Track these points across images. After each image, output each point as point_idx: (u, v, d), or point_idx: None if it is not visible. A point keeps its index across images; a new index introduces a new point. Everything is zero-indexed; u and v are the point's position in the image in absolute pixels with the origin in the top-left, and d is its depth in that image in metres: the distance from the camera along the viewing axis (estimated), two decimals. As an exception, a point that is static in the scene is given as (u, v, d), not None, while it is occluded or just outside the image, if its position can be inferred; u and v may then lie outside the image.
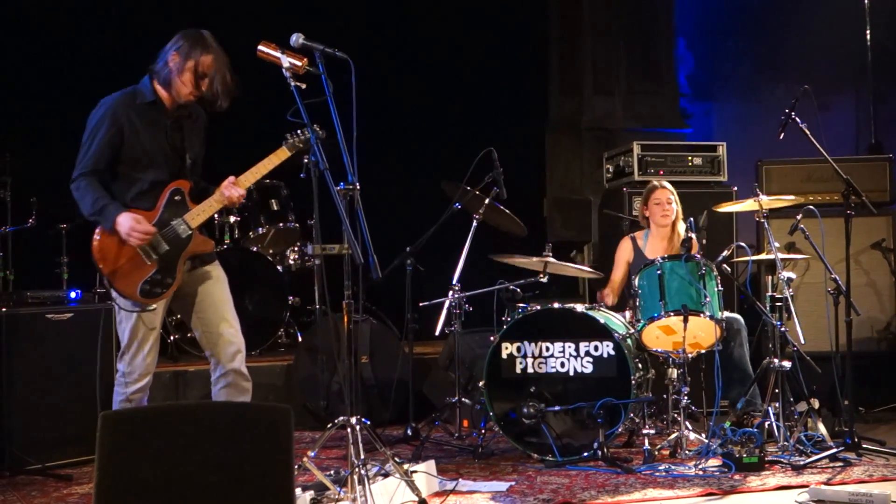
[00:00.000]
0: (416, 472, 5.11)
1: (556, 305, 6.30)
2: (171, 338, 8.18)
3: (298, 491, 4.73)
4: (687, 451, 6.01)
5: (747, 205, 6.54)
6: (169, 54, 5.05)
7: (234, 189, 5.07)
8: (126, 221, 4.93)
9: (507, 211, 6.81)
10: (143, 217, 4.97)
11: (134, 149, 5.04)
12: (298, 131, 5.14)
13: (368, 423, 4.86)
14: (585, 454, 5.94)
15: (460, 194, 6.70)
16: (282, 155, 5.15)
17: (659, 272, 6.24)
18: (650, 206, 7.07)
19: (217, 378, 5.22)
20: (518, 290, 6.61)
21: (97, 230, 5.03)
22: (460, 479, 5.53)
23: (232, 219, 8.56)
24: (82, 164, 5.07)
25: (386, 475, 4.96)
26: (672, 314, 6.13)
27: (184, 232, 5.04)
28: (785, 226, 6.72)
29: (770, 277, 6.47)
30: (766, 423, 6.12)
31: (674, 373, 6.15)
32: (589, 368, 6.09)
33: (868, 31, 9.58)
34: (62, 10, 8.99)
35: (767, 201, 6.43)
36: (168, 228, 5.03)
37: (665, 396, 6.23)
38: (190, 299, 5.21)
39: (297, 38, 4.82)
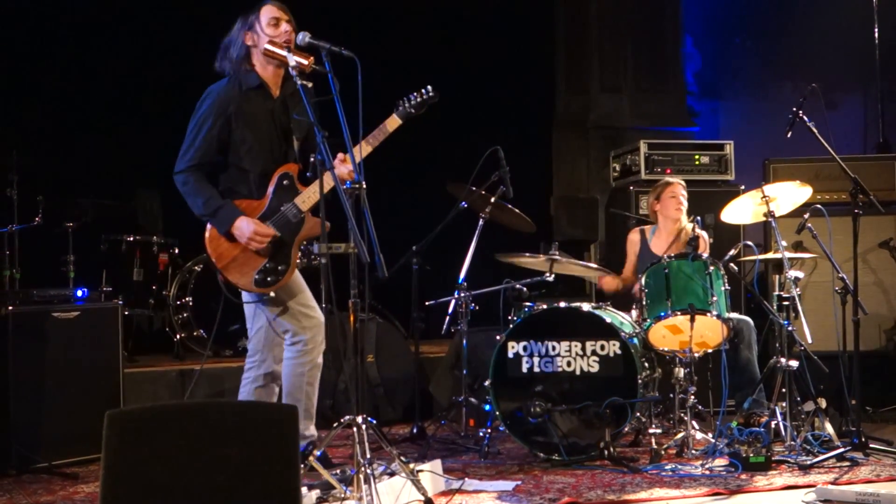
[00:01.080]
0: (422, 471, 5.10)
1: (562, 304, 6.29)
2: (177, 337, 8.18)
3: (304, 490, 4.73)
4: (693, 451, 5.99)
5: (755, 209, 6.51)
6: (241, 38, 5.09)
7: (343, 166, 5.05)
8: (246, 227, 4.98)
9: (514, 209, 6.79)
10: (253, 206, 5.00)
11: (243, 138, 5.06)
12: (412, 96, 5.14)
13: (374, 422, 4.86)
14: (592, 453, 5.92)
15: (466, 194, 6.69)
16: (393, 123, 5.12)
17: (666, 271, 6.23)
18: (664, 200, 7.06)
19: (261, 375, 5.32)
20: (524, 289, 6.62)
21: (209, 224, 5.07)
22: (466, 479, 5.52)
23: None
24: (188, 156, 5.06)
25: (392, 474, 4.95)
26: (679, 313, 6.12)
27: (294, 217, 5.05)
28: (792, 225, 6.70)
29: (777, 276, 6.45)
30: (773, 423, 6.10)
31: (680, 372, 6.14)
32: (595, 367, 6.07)
33: (876, 30, 9.54)
34: (68, 8, 8.98)
35: (776, 200, 6.40)
36: (279, 215, 5.05)
37: (672, 396, 6.22)
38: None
39: (303, 37, 4.82)
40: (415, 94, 5.20)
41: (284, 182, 5.08)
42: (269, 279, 5.04)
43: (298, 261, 5.18)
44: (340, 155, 5.05)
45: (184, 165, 5.06)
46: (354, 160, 4.70)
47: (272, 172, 5.09)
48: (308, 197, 5.06)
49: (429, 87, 5.21)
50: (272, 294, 5.10)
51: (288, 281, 5.15)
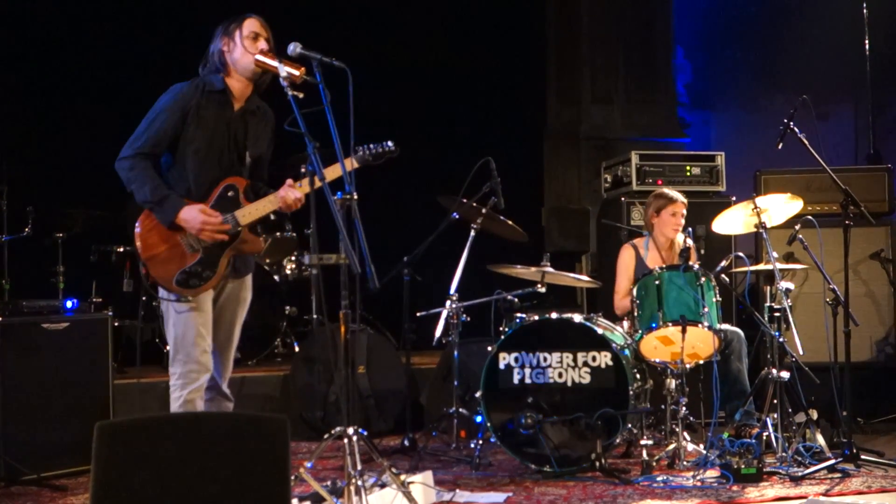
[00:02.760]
0: (413, 483, 5.08)
1: (553, 315, 6.28)
2: (167, 348, 8.14)
3: (295, 502, 4.71)
4: (685, 462, 5.99)
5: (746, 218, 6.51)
6: (219, 43, 5.06)
7: (291, 191, 5.01)
8: (195, 216, 4.91)
9: (506, 219, 6.79)
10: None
11: (193, 138, 5.00)
12: (372, 145, 5.14)
13: (365, 433, 4.83)
14: (583, 465, 5.91)
15: (457, 205, 6.68)
16: (348, 165, 5.06)
17: (657, 282, 6.23)
18: (662, 216, 7.01)
19: (206, 389, 5.16)
20: (516, 300, 6.61)
21: (143, 214, 4.99)
22: (457, 491, 5.51)
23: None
24: (139, 143, 4.98)
25: (383, 486, 4.93)
26: (670, 324, 6.12)
27: (232, 228, 5.00)
28: (783, 236, 6.71)
29: (768, 288, 6.46)
30: (765, 434, 6.10)
31: (672, 383, 6.14)
32: (587, 379, 6.06)
33: (867, 41, 9.58)
34: (58, 17, 8.98)
35: (767, 211, 6.41)
36: None
37: (663, 407, 6.21)
38: (214, 313, 5.15)
39: (294, 48, 4.81)
40: (375, 144, 5.17)
41: (229, 193, 5.03)
42: (191, 282, 4.98)
43: (228, 271, 5.10)
44: (289, 181, 5.05)
45: (131, 152, 4.97)
46: (345, 172, 4.69)
47: (218, 181, 5.03)
48: (249, 212, 5.02)
49: (390, 143, 5.19)
50: (190, 299, 5.03)
51: (209, 289, 5.07)
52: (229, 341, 5.24)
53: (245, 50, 5.00)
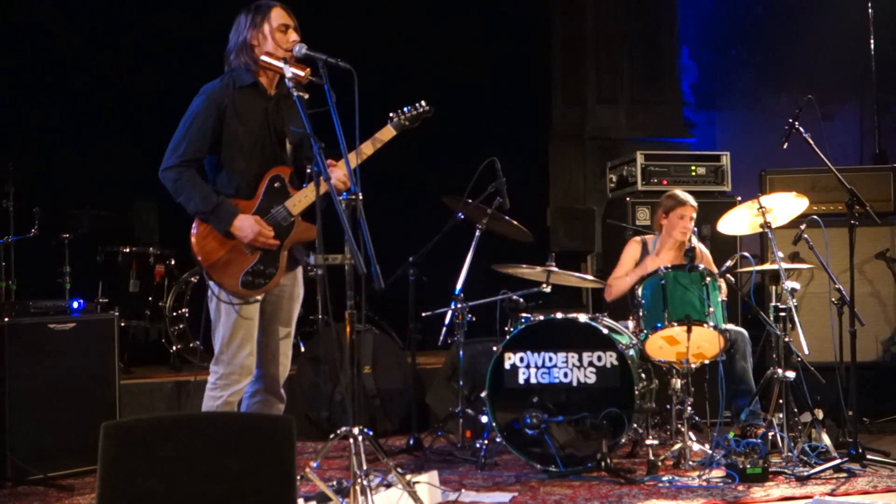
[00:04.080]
0: (418, 482, 5.08)
1: (559, 315, 6.29)
2: (173, 348, 8.18)
3: (301, 502, 4.72)
4: (690, 462, 5.99)
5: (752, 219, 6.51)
6: (246, 35, 4.96)
7: (335, 171, 4.91)
8: (249, 226, 4.85)
9: (511, 220, 6.79)
10: (242, 206, 4.88)
11: (235, 135, 4.93)
12: (405, 108, 5.09)
13: (371, 433, 4.83)
14: (589, 465, 5.91)
15: (463, 205, 6.69)
16: (387, 134, 5.03)
17: (662, 282, 6.22)
18: (671, 219, 6.97)
19: (255, 391, 5.12)
20: (521, 300, 6.61)
21: (195, 223, 4.91)
22: (463, 490, 5.51)
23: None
24: (180, 151, 4.89)
25: (388, 486, 4.94)
26: (675, 324, 6.12)
27: (285, 220, 4.93)
28: (789, 236, 6.71)
29: (774, 287, 6.46)
30: (770, 434, 6.10)
31: (677, 383, 6.14)
32: (592, 379, 6.07)
33: (872, 41, 9.57)
34: (65, 19, 8.99)
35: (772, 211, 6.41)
36: (268, 217, 4.91)
37: (668, 407, 6.21)
38: (268, 308, 5.09)
39: (299, 48, 4.82)
40: (409, 107, 5.15)
41: (276, 184, 4.97)
42: (256, 282, 4.93)
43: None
44: (332, 161, 4.97)
45: (174, 161, 4.88)
46: (350, 171, 4.68)
47: (263, 173, 4.97)
48: (299, 201, 4.96)
49: (423, 102, 5.17)
50: (258, 298, 5.01)
51: (276, 285, 5.04)
52: (286, 340, 5.16)
53: (276, 44, 4.94)
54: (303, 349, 8.35)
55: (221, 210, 4.85)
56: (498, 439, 6.19)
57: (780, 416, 6.10)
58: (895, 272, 7.77)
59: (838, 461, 5.86)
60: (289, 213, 4.94)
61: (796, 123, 6.38)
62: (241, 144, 4.94)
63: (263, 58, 4.92)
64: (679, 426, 6.13)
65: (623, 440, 6.04)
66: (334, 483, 5.05)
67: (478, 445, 6.35)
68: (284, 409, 5.24)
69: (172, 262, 8.53)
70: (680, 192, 7.05)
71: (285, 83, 4.93)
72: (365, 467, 4.58)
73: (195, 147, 4.90)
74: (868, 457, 6.04)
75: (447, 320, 6.71)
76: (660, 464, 5.95)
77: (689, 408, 6.12)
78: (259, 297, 4.98)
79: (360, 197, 4.61)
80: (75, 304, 6.33)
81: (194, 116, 4.92)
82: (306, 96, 4.80)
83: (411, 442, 6.77)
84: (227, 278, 4.90)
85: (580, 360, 6.08)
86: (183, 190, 4.87)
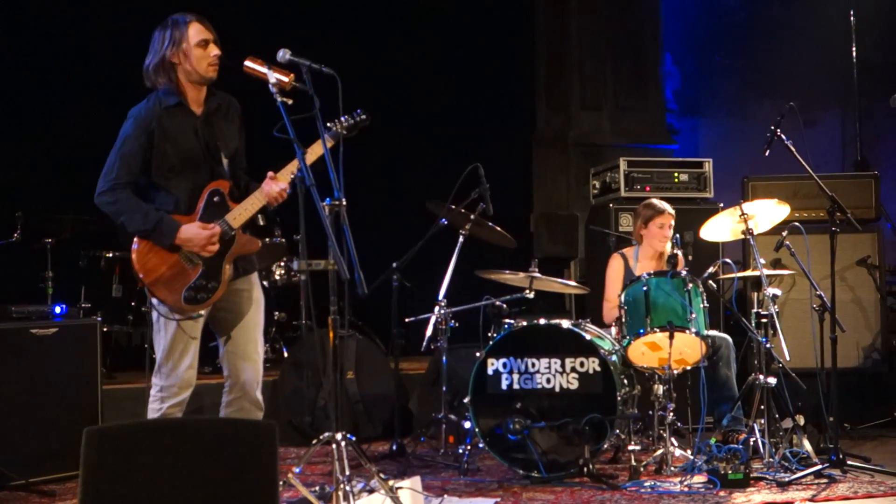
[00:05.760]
0: (401, 488, 5.08)
1: (542, 321, 6.30)
2: (154, 355, 8.14)
3: (283, 507, 4.72)
4: (672, 468, 6.00)
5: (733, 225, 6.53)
6: (166, 53, 4.93)
7: (273, 184, 4.92)
8: (195, 233, 4.83)
9: (495, 225, 6.80)
10: (183, 222, 4.85)
11: (166, 155, 4.90)
12: (343, 117, 5.07)
13: (354, 438, 4.84)
14: (571, 470, 5.92)
15: (446, 211, 6.70)
16: (318, 149, 4.96)
17: (645, 288, 6.24)
18: (650, 228, 7.01)
19: (230, 400, 5.11)
20: (504, 305, 6.62)
21: (136, 240, 4.88)
22: (446, 496, 5.52)
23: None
24: (113, 175, 4.89)
25: (371, 491, 4.94)
26: (658, 330, 6.14)
27: (226, 234, 4.93)
28: (770, 242, 6.74)
29: (756, 294, 6.49)
30: (752, 440, 6.12)
31: (659, 389, 6.15)
32: (575, 385, 6.08)
33: (854, 49, 9.63)
34: (49, 22, 8.97)
35: (754, 218, 6.43)
36: None
37: (651, 413, 6.22)
38: (228, 316, 5.09)
39: (283, 54, 4.81)
40: (346, 116, 5.11)
41: (215, 199, 4.94)
42: (199, 296, 4.91)
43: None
44: (270, 173, 4.98)
45: (108, 185, 4.89)
46: (334, 177, 4.69)
47: (200, 189, 4.96)
48: (239, 214, 4.95)
49: (359, 110, 5.15)
50: (202, 313, 5.00)
51: (218, 299, 5.03)
52: (252, 344, 5.11)
53: (198, 61, 4.91)
54: (286, 354, 8.35)
55: (164, 225, 4.84)
56: (481, 445, 6.20)
57: (762, 421, 6.13)
58: (876, 279, 7.81)
59: (819, 467, 5.88)
60: (230, 226, 4.93)
61: (778, 130, 6.40)
62: (173, 164, 4.93)
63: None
64: (661, 432, 6.14)
65: (605, 446, 6.05)
66: (317, 489, 5.05)
67: (460, 451, 6.36)
68: (267, 414, 5.23)
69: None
70: (657, 201, 7.07)
71: (213, 99, 4.95)
72: (348, 473, 4.58)
73: (127, 170, 4.89)
74: (849, 462, 6.06)
75: (430, 326, 6.71)
76: (642, 469, 5.96)
77: (671, 413, 6.14)
78: (202, 313, 4.96)
79: (344, 202, 4.62)
80: (58, 309, 6.30)
81: (124, 140, 4.92)
82: (290, 102, 4.80)
83: (394, 447, 6.77)
84: (169, 294, 4.89)
85: (563, 365, 6.09)
86: (123, 211, 4.87)
